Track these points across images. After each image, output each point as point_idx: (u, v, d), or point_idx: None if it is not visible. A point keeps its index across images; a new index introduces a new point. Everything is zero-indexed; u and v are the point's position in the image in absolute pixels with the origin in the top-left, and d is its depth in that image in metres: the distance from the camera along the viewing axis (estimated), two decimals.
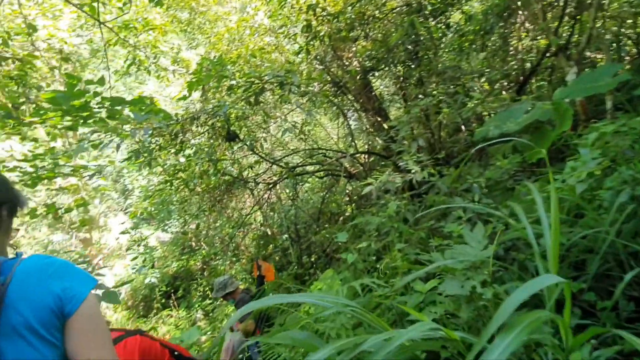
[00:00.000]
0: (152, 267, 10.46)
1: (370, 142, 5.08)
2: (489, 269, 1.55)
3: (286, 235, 8.62)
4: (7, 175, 4.48)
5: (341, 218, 7.12)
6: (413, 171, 2.79)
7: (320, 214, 7.20)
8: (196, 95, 4.62)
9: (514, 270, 2.02)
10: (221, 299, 4.59)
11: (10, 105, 3.82)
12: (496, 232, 2.07)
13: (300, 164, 5.08)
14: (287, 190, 8.44)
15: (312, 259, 7.38)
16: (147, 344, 2.28)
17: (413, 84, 4.67)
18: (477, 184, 2.80)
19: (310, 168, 6.47)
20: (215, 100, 3.85)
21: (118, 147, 2.99)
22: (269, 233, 9.79)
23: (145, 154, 3.45)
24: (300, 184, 7.08)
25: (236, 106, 3.78)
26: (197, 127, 3.81)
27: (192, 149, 4.74)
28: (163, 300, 10.64)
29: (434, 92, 3.92)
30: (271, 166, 5.38)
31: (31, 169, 3.40)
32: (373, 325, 1.32)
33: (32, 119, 3.47)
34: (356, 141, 5.22)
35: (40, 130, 6.12)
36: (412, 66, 4.38)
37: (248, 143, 3.95)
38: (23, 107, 4.01)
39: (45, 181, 4.36)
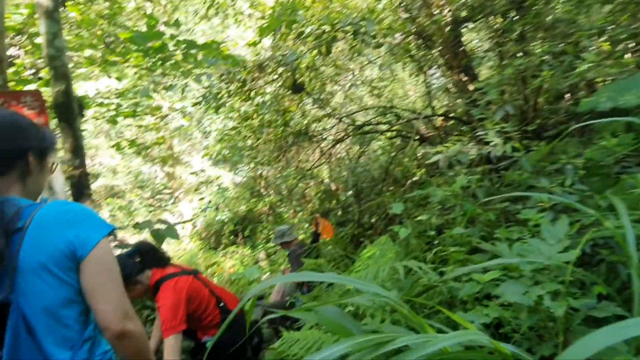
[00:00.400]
0: (217, 209, 11.21)
1: (450, 105, 4.57)
2: (565, 278, 1.26)
3: (350, 192, 8.57)
4: (91, 111, 4.95)
5: (408, 182, 6.80)
6: (492, 143, 2.40)
7: (387, 176, 6.93)
8: (270, 41, 4.49)
9: (600, 273, 1.67)
10: (279, 246, 4.79)
11: (98, 43, 4.06)
12: (584, 227, 1.70)
13: (369, 122, 4.80)
14: (355, 147, 8.23)
15: (373, 220, 7.27)
16: (197, 287, 2.40)
17: (513, 39, 3.99)
18: (572, 165, 2.33)
19: (381, 127, 6.15)
20: (286, 48, 3.67)
21: (183, 90, 3.02)
22: (333, 188, 9.81)
23: (213, 99, 3.47)
24: (369, 142, 6.82)
25: (306, 55, 3.57)
26: (265, 75, 3.71)
27: (261, 96, 4.69)
28: (231, 237, 11.49)
29: (537, 50, 3.29)
30: (339, 122, 5.18)
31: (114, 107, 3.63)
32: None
33: (116, 58, 3.68)
34: (434, 102, 4.73)
35: (132, 70, 6.57)
36: (515, 18, 3.70)
37: (315, 96, 3.77)
38: (112, 45, 4.25)
39: (131, 119, 4.72)
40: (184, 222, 9.17)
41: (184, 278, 2.31)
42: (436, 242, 2.78)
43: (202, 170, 10.58)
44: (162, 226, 3.09)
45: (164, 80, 3.29)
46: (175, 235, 3.05)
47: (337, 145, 7.25)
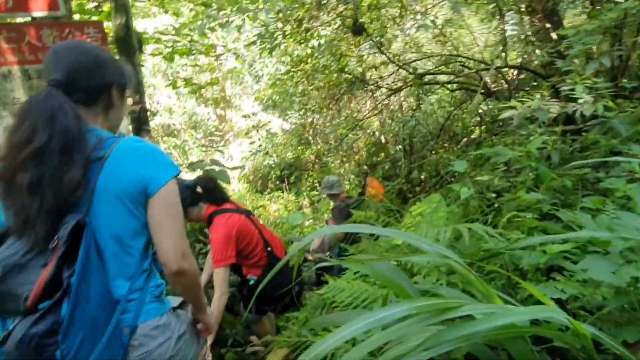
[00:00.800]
0: (266, 153, 11.34)
1: (526, 55, 4.05)
2: None
3: (400, 147, 8.28)
4: (153, 47, 4.97)
5: (464, 139, 6.39)
6: (581, 101, 2.08)
7: (442, 131, 6.55)
8: None
9: None
10: (325, 196, 4.80)
11: None
12: None
13: (431, 71, 4.43)
14: (411, 99, 7.79)
15: (422, 177, 7.03)
16: (248, 226, 2.45)
17: None
18: None
19: (442, 78, 5.68)
20: None
21: (239, 29, 2.89)
22: (383, 141, 9.53)
23: (267, 39, 3.31)
24: (427, 94, 6.39)
25: None
26: (325, 14, 3.45)
27: (317, 39, 4.44)
28: (277, 182, 11.76)
29: None
30: (397, 70, 4.83)
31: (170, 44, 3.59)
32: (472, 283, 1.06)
33: None
34: (508, 52, 4.22)
35: (188, 7, 6.46)
36: None
37: (375, 39, 3.47)
38: None
39: (186, 58, 4.70)
40: (235, 167, 9.41)
41: (236, 216, 2.38)
42: (496, 205, 2.58)
43: (254, 114, 10.61)
44: (215, 167, 3.14)
45: (219, 15, 3.17)
46: (227, 179, 3.09)
47: (391, 97, 6.88)
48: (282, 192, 11.45)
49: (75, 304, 0.85)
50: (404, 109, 7.69)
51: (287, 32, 3.82)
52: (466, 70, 4.22)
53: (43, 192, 0.87)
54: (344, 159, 11.05)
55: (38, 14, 2.31)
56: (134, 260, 1.02)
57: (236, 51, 9.11)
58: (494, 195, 2.64)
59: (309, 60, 4.77)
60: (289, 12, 3.18)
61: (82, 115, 0.98)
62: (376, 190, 4.23)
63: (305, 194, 11.21)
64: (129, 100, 3.25)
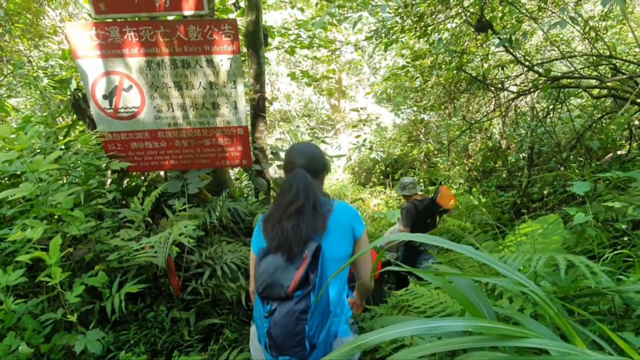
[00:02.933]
0: (370, 148, 11.24)
1: None
2: None
3: (523, 155, 7.41)
4: (276, 40, 5.33)
5: (609, 155, 5.39)
6: None
7: (578, 143, 5.63)
8: None
9: None
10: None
11: None
12: None
13: (570, 74, 3.81)
14: (543, 103, 6.86)
15: (545, 192, 6.18)
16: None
17: None
18: None
19: (585, 82, 4.85)
20: None
21: (355, 23, 2.91)
22: (502, 146, 8.65)
23: (385, 34, 3.27)
24: (564, 99, 5.53)
25: None
26: (447, 9, 3.24)
27: (438, 34, 4.21)
28: (381, 177, 11.65)
29: None
30: (527, 71, 4.30)
31: (293, 38, 3.80)
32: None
33: None
34: None
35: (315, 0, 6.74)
36: None
37: (504, 36, 3.13)
38: None
39: (307, 50, 4.94)
40: (339, 156, 9.61)
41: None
42: (626, 238, 2.16)
43: (363, 108, 10.60)
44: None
45: (341, 11, 3.23)
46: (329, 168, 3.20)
47: (517, 99, 6.14)
48: (385, 188, 11.30)
49: (316, 297, 1.31)
50: (535, 112, 6.81)
51: (405, 27, 3.70)
52: (617, 75, 3.52)
53: (301, 231, 1.38)
54: (455, 161, 10.38)
55: (187, 12, 2.71)
56: (343, 274, 1.60)
57: (357, 42, 9.23)
58: (624, 226, 2.22)
59: (427, 55, 4.56)
60: (409, 7, 3.07)
61: None
62: (447, 199, 4.00)
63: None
64: (249, 90, 3.58)
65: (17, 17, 5.38)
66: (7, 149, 2.29)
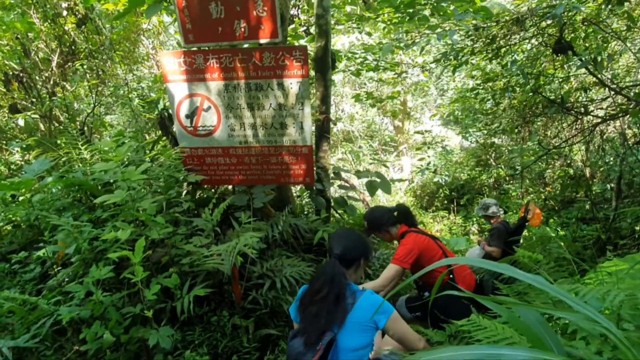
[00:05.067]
0: (434, 172, 10.87)
1: None
2: None
3: (610, 185, 6.69)
4: (342, 64, 5.49)
5: None
6: None
7: None
8: None
9: None
10: (482, 218, 4.46)
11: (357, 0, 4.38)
12: None
13: None
14: (635, 129, 6.17)
15: (637, 228, 5.49)
16: (433, 247, 2.65)
17: None
18: None
19: None
20: None
21: (422, 49, 2.93)
22: (586, 174, 7.89)
23: (453, 57, 3.23)
24: None
25: (585, 7, 2.76)
26: (522, 31, 3.13)
27: (511, 56, 4.06)
28: (445, 202, 11.20)
29: None
30: (615, 95, 3.94)
31: (359, 61, 3.91)
32: None
33: (370, 14, 3.89)
34: None
35: (382, 25, 6.88)
36: None
37: (584, 59, 2.92)
38: (369, 1, 4.51)
39: (371, 73, 5.02)
40: (400, 180, 9.46)
41: (425, 237, 2.59)
42: None
43: (428, 131, 10.37)
44: (377, 179, 3.29)
45: (407, 37, 3.27)
46: (388, 190, 3.20)
47: (606, 124, 5.59)
48: (449, 213, 10.83)
49: None
50: (626, 138, 6.15)
51: (476, 50, 3.62)
52: None
53: (320, 320, 1.55)
54: (530, 189, 9.65)
55: (263, 40, 2.94)
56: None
57: (425, 64, 9.15)
58: None
59: (499, 77, 4.39)
60: (479, 30, 3.02)
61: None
62: (538, 218, 3.72)
63: (475, 219, 10.29)
64: (315, 112, 3.73)
65: (118, 46, 6.21)
66: (105, 159, 2.65)
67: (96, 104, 5.51)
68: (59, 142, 4.75)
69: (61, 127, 5.49)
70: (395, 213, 2.73)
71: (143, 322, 2.19)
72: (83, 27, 4.88)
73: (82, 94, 6.54)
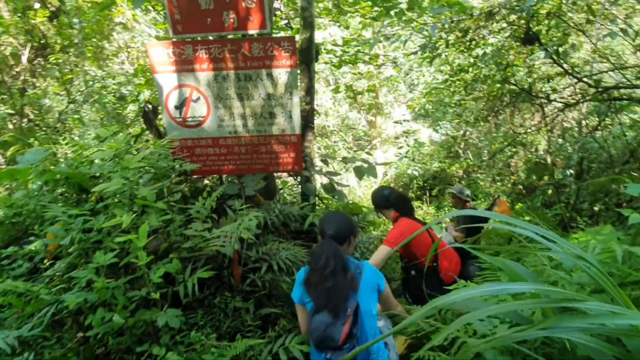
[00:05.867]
0: (412, 160, 11.21)
1: None
2: None
3: (570, 171, 7.19)
4: (322, 56, 5.63)
5: None
6: None
7: (632, 157, 5.43)
8: None
9: None
10: (451, 198, 4.76)
11: None
12: None
13: (621, 85, 3.77)
14: (593, 117, 6.67)
15: (595, 208, 5.96)
16: (425, 234, 2.86)
17: None
18: None
19: (638, 94, 4.72)
20: None
21: (405, 42, 3.09)
22: (548, 161, 8.41)
23: (430, 50, 3.42)
24: (615, 112, 5.38)
25: (549, 1, 3.01)
26: (493, 23, 3.36)
27: (482, 48, 4.32)
28: (418, 193, 11.56)
29: None
30: (577, 82, 4.28)
31: (340, 53, 4.03)
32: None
33: (348, 8, 4.03)
34: None
35: (358, 18, 7.04)
36: None
37: (550, 49, 3.19)
38: None
39: (350, 65, 5.18)
40: (385, 164, 9.71)
41: (416, 223, 2.88)
42: None
43: (406, 120, 10.67)
44: (364, 164, 3.44)
45: (386, 31, 3.43)
46: (375, 174, 3.36)
47: (564, 112, 6.01)
48: (422, 204, 11.20)
49: (361, 343, 1.72)
50: (586, 125, 6.62)
51: (450, 42, 3.84)
52: None
53: (339, 290, 1.75)
54: (496, 177, 10.16)
55: (252, 31, 3.01)
56: (374, 320, 1.91)
57: (395, 60, 9.40)
58: None
59: (470, 69, 4.65)
60: (454, 23, 3.22)
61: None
62: (503, 211, 4.04)
63: (447, 209, 10.70)
64: (301, 102, 3.84)
65: (89, 41, 6.04)
66: (100, 149, 2.64)
67: (70, 100, 5.35)
68: (30, 140, 4.59)
69: (32, 125, 5.30)
70: (393, 197, 2.99)
71: (147, 306, 2.23)
72: (55, 20, 4.72)
73: (51, 91, 6.30)
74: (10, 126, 4.98)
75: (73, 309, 2.21)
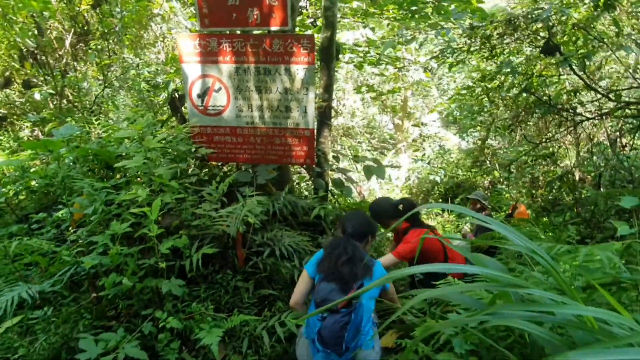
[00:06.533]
0: (428, 163, 11.07)
1: None
2: None
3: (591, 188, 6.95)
4: (347, 56, 5.72)
5: None
6: None
7: None
8: None
9: None
10: (470, 203, 4.72)
11: None
12: None
13: None
14: (628, 133, 6.42)
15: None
16: (436, 245, 2.88)
17: None
18: None
19: None
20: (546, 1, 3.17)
21: (421, 44, 3.15)
22: (576, 177, 8.15)
23: (450, 54, 3.45)
24: None
25: (577, 13, 2.98)
26: (515, 32, 3.36)
27: (506, 56, 4.30)
28: (440, 200, 11.42)
29: None
30: (601, 97, 4.18)
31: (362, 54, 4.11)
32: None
33: (375, 10, 4.11)
34: None
35: (386, 22, 7.09)
36: None
37: (575, 61, 3.15)
38: None
39: (375, 68, 5.24)
40: (394, 166, 9.69)
41: (434, 239, 2.82)
42: None
43: (424, 124, 10.57)
44: (373, 164, 3.53)
45: (408, 34, 3.49)
46: (382, 174, 3.43)
47: (598, 127, 5.82)
48: (443, 211, 11.06)
49: (355, 316, 1.85)
50: (611, 140, 6.39)
51: (471, 49, 3.85)
52: None
53: (356, 275, 1.92)
54: (522, 190, 9.91)
55: (274, 28, 3.16)
56: (373, 306, 2.06)
57: (426, 64, 9.36)
58: None
59: (494, 76, 4.62)
60: (474, 29, 3.24)
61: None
62: (522, 215, 4.04)
63: (469, 218, 10.54)
64: (318, 99, 3.96)
65: (129, 29, 6.39)
66: (125, 130, 2.87)
67: (106, 84, 5.71)
68: (68, 119, 4.95)
69: (70, 105, 5.69)
70: (401, 206, 2.90)
71: (155, 275, 2.42)
72: (98, 8, 5.06)
73: (90, 75, 6.72)
74: (51, 105, 5.38)
75: (90, 272, 2.44)
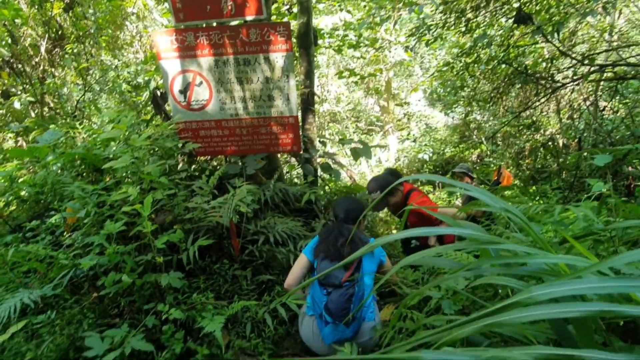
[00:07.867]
0: (414, 141, 11.20)
1: None
2: None
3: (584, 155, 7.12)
4: (327, 41, 5.75)
5: None
6: None
7: (632, 136, 5.36)
8: None
9: None
10: (456, 176, 4.95)
11: None
12: None
13: (618, 63, 3.75)
14: (604, 99, 6.56)
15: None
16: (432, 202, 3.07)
17: None
18: None
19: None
20: None
21: (395, 22, 3.18)
22: (560, 144, 8.33)
23: (425, 31, 3.49)
24: (620, 91, 5.30)
25: None
26: (488, 4, 3.40)
27: (482, 29, 4.34)
28: None
29: None
30: (577, 63, 4.27)
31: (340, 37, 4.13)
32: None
33: None
34: None
35: (363, 4, 7.06)
36: None
37: (547, 30, 3.21)
38: None
39: (352, 49, 5.27)
40: (379, 146, 9.78)
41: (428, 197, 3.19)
42: None
43: (407, 103, 10.66)
44: (360, 145, 3.59)
45: (382, 13, 3.51)
46: (369, 155, 3.50)
47: (576, 93, 5.93)
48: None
49: (358, 288, 2.04)
50: (592, 107, 6.53)
51: (447, 24, 3.89)
52: None
53: (354, 252, 1.88)
54: (509, 162, 10.10)
55: (249, 17, 3.16)
56: (371, 279, 2.19)
57: (407, 42, 9.38)
58: None
59: (471, 50, 4.68)
60: (448, 4, 3.27)
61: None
62: (507, 179, 4.30)
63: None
64: (300, 85, 3.98)
65: (104, 31, 6.29)
66: (107, 132, 2.88)
67: (87, 88, 5.64)
68: (51, 126, 4.90)
69: (52, 112, 5.62)
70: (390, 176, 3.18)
71: (153, 270, 2.48)
72: (70, 12, 4.97)
73: (69, 80, 6.62)
74: (32, 114, 5.32)
75: (89, 273, 2.48)
